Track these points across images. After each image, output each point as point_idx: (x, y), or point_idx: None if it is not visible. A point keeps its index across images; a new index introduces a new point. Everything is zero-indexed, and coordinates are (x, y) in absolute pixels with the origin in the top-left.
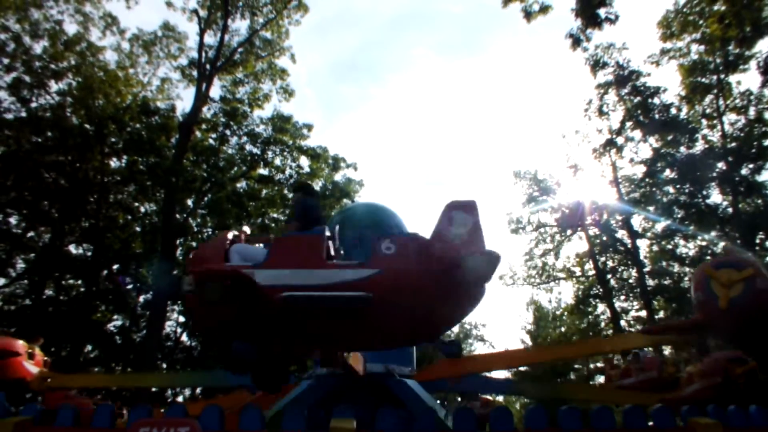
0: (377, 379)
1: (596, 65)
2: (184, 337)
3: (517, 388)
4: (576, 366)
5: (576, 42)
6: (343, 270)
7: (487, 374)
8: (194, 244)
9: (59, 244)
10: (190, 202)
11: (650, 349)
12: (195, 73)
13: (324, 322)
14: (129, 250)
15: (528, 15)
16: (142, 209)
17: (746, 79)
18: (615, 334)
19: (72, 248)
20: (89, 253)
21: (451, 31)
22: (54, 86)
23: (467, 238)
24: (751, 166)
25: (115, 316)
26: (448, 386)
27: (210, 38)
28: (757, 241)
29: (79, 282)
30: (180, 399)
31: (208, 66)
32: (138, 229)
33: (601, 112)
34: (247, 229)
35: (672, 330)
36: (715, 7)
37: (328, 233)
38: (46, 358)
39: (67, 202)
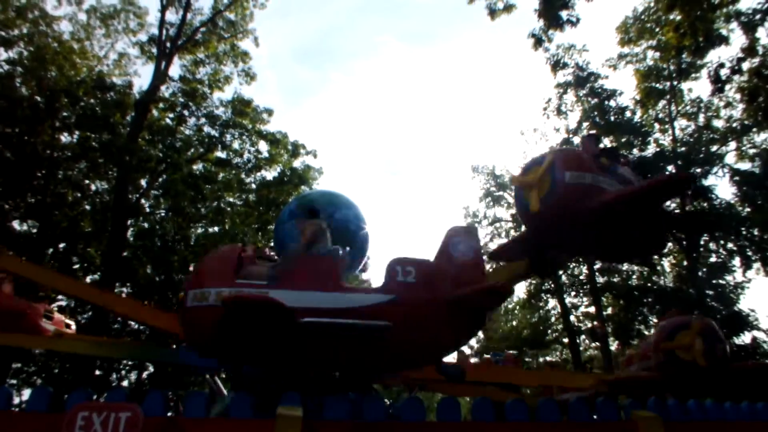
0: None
1: (556, 65)
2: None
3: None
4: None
5: (538, 42)
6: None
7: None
8: (146, 225)
9: (2, 220)
10: (143, 182)
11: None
12: (154, 50)
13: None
14: (77, 228)
15: (492, 12)
16: (93, 187)
17: (697, 87)
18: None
19: (16, 224)
20: (35, 230)
21: (416, 20)
22: (3, 54)
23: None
24: (699, 170)
25: (59, 297)
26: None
27: (172, 15)
28: (702, 242)
29: (23, 259)
30: (125, 384)
31: (168, 44)
32: (88, 207)
33: (559, 112)
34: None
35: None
36: (672, 17)
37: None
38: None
39: (13, 176)
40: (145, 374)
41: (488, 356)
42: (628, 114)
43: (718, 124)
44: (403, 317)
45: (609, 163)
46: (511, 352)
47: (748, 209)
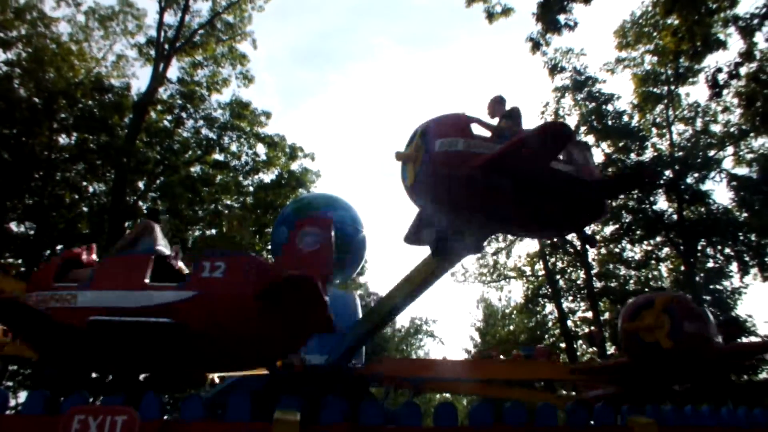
0: (322, 371)
1: (554, 69)
2: None
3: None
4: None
5: (536, 46)
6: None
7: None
8: None
9: (0, 221)
10: (141, 184)
11: None
12: (153, 52)
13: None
14: (74, 230)
15: (490, 16)
16: (91, 189)
17: (695, 92)
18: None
19: (13, 226)
20: (32, 232)
21: (413, 23)
22: (1, 56)
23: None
24: (696, 175)
25: None
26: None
27: (170, 17)
28: (699, 247)
29: (20, 261)
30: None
31: (166, 46)
32: (85, 209)
33: (557, 115)
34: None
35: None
36: (669, 21)
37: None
38: None
39: (11, 177)
40: (141, 377)
41: (516, 351)
42: (625, 118)
43: (716, 128)
44: (204, 313)
45: (510, 125)
46: (542, 345)
47: (746, 214)
